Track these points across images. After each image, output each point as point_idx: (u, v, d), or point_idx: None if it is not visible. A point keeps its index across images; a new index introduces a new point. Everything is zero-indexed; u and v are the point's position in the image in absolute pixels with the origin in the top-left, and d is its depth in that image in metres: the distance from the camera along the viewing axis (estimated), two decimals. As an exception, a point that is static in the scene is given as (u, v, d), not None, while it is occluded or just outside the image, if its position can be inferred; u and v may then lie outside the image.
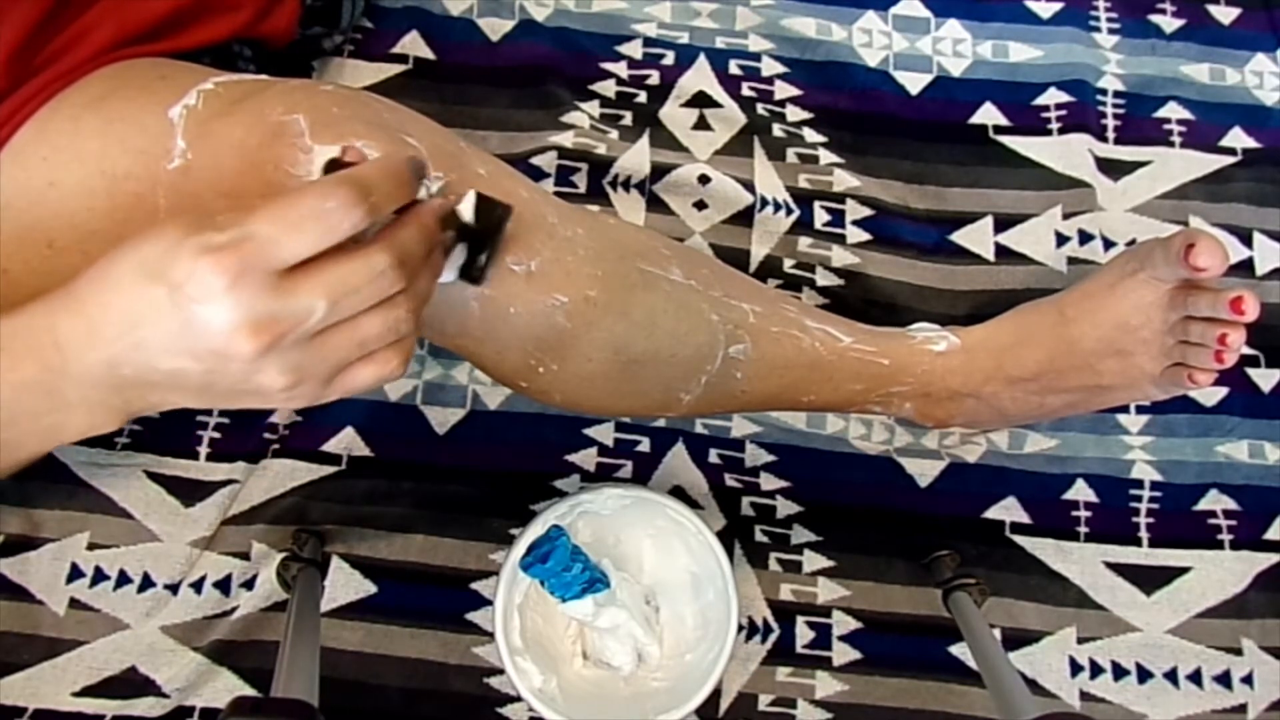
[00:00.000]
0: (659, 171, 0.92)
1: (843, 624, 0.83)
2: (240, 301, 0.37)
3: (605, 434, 0.86)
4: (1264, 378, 0.90)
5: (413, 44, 0.97)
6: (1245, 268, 0.93)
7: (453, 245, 0.48)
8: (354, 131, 0.50)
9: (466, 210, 0.49)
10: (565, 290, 0.55)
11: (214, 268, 0.37)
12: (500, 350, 0.57)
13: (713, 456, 0.86)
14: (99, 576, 0.81)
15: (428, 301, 0.45)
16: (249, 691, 0.79)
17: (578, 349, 0.57)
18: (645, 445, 0.86)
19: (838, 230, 0.92)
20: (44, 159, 0.52)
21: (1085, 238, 0.93)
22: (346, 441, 0.85)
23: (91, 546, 0.82)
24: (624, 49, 0.98)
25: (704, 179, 0.92)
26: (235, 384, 0.40)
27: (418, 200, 0.44)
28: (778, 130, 0.96)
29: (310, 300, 0.39)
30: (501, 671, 0.77)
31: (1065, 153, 0.96)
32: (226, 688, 0.79)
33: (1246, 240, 0.94)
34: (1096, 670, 0.82)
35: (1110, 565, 0.85)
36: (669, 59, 0.98)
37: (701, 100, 0.96)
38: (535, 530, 0.73)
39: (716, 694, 0.80)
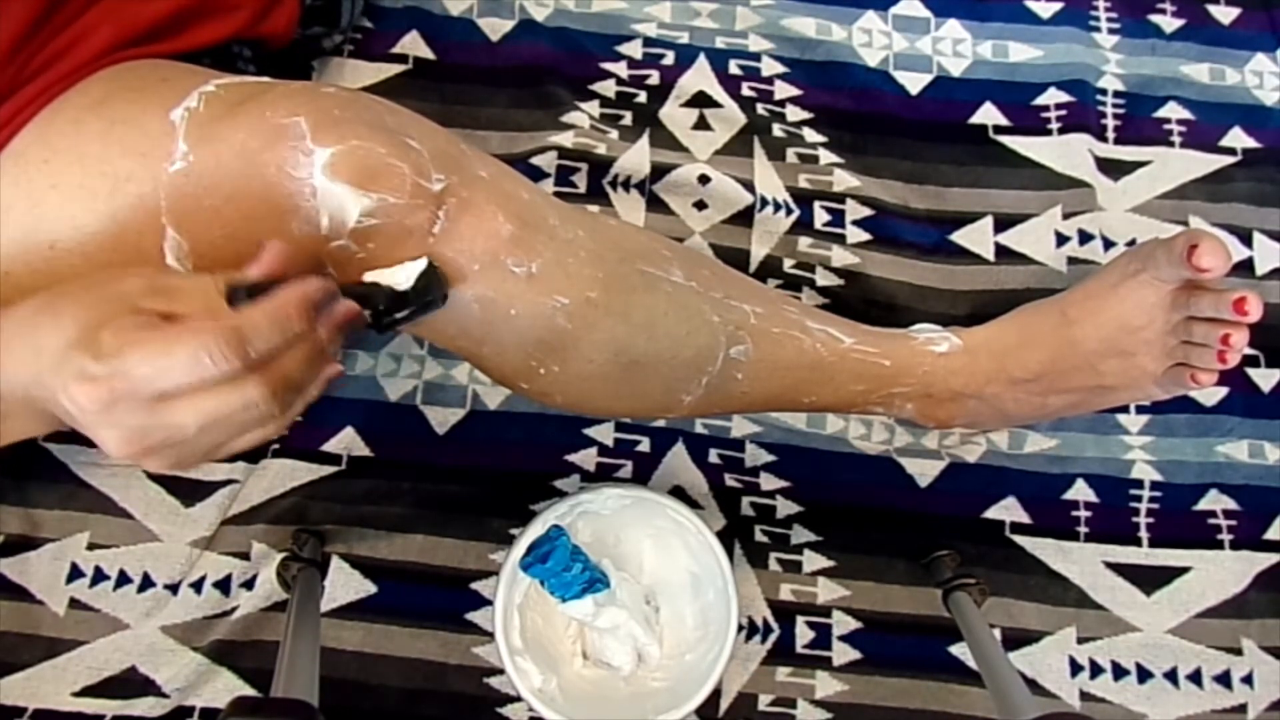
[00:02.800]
0: (659, 171, 0.92)
1: (843, 624, 0.83)
2: (112, 422, 0.41)
3: (605, 434, 0.86)
4: (1264, 378, 0.90)
5: (413, 44, 0.97)
6: (1245, 268, 0.93)
7: (393, 309, 0.50)
8: (355, 133, 0.50)
9: (407, 276, 0.50)
10: (566, 292, 0.55)
11: (87, 395, 0.40)
12: (501, 352, 0.57)
13: (713, 456, 0.86)
14: (99, 576, 0.81)
15: (324, 378, 0.46)
16: (249, 691, 0.79)
17: (578, 350, 0.57)
18: (645, 445, 0.86)
19: (838, 230, 0.92)
20: (45, 161, 0.52)
21: (1085, 238, 0.93)
22: (346, 441, 0.85)
23: (91, 546, 0.82)
24: (624, 49, 0.98)
25: (704, 179, 0.92)
26: None
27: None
28: (778, 130, 0.95)
29: (180, 422, 0.41)
30: (501, 671, 0.77)
31: (1065, 153, 0.96)
32: (226, 688, 0.79)
33: (1246, 240, 0.94)
34: (1096, 670, 0.82)
35: (1110, 565, 0.85)
36: (669, 59, 0.98)
37: (701, 100, 0.96)
38: (535, 530, 0.73)
39: (716, 694, 0.80)
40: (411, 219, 0.51)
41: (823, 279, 0.90)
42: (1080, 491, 0.86)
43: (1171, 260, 0.62)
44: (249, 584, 0.81)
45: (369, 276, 0.51)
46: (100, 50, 0.56)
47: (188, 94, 0.53)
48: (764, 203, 0.92)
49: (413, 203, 0.50)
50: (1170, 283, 0.64)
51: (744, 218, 0.92)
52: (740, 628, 0.78)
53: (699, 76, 0.97)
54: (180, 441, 0.42)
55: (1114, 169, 0.96)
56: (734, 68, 0.98)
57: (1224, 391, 0.89)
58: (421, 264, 0.50)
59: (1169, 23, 1.02)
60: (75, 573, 0.81)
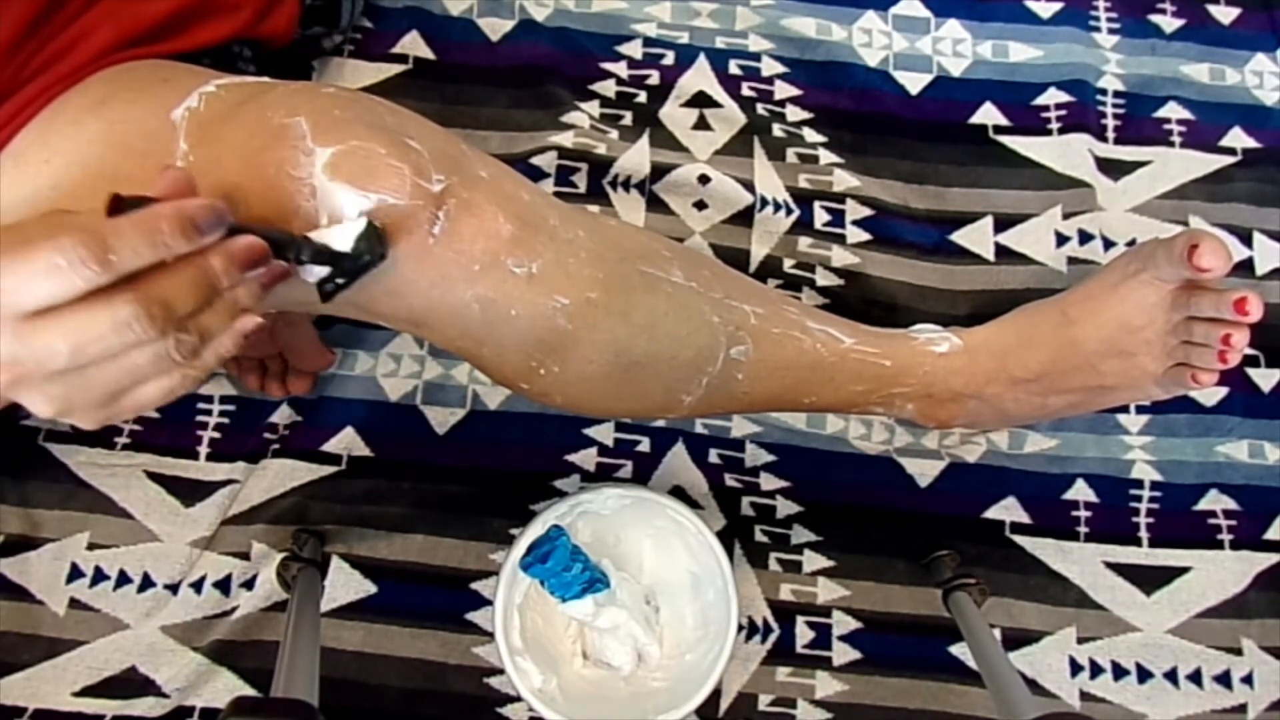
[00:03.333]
0: (659, 171, 0.92)
1: (843, 624, 0.83)
2: None
3: (605, 434, 0.86)
4: (1264, 378, 0.90)
5: (413, 44, 0.97)
6: (1245, 268, 0.93)
7: (320, 262, 0.48)
8: (355, 134, 0.50)
9: (344, 236, 0.48)
10: (566, 292, 0.55)
11: None
12: (501, 352, 0.57)
13: (713, 456, 0.86)
14: (99, 576, 0.81)
15: (236, 329, 0.44)
16: (249, 691, 0.79)
17: (579, 351, 0.57)
18: (645, 445, 0.86)
19: (838, 230, 0.92)
20: (46, 162, 0.52)
21: (1085, 238, 0.93)
22: (346, 441, 0.85)
23: (91, 546, 0.82)
24: (624, 49, 0.98)
25: (704, 179, 0.92)
26: (10, 403, 0.41)
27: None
28: (778, 130, 0.95)
29: (50, 345, 0.39)
30: (501, 671, 0.77)
31: (1065, 153, 0.96)
32: (226, 688, 0.79)
33: (1246, 240, 0.94)
34: (1096, 670, 0.82)
35: (1110, 565, 0.85)
36: (669, 59, 0.98)
37: (701, 100, 0.96)
38: (535, 530, 0.73)
39: (716, 694, 0.80)
40: (411, 219, 0.50)
41: (823, 279, 0.90)
42: (1080, 491, 0.86)
43: (1172, 260, 0.62)
44: (249, 584, 0.81)
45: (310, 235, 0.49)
46: (100, 50, 0.56)
47: (188, 94, 0.53)
48: (764, 203, 0.92)
49: (413, 203, 0.50)
50: (1171, 282, 0.64)
51: (744, 218, 0.92)
52: (740, 628, 0.78)
53: (699, 76, 0.98)
54: (57, 373, 0.39)
55: (1114, 169, 0.96)
56: (734, 68, 0.98)
57: (1224, 391, 0.89)
58: (361, 224, 0.48)
59: (1169, 23, 1.02)
60: (75, 573, 0.81)
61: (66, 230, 0.38)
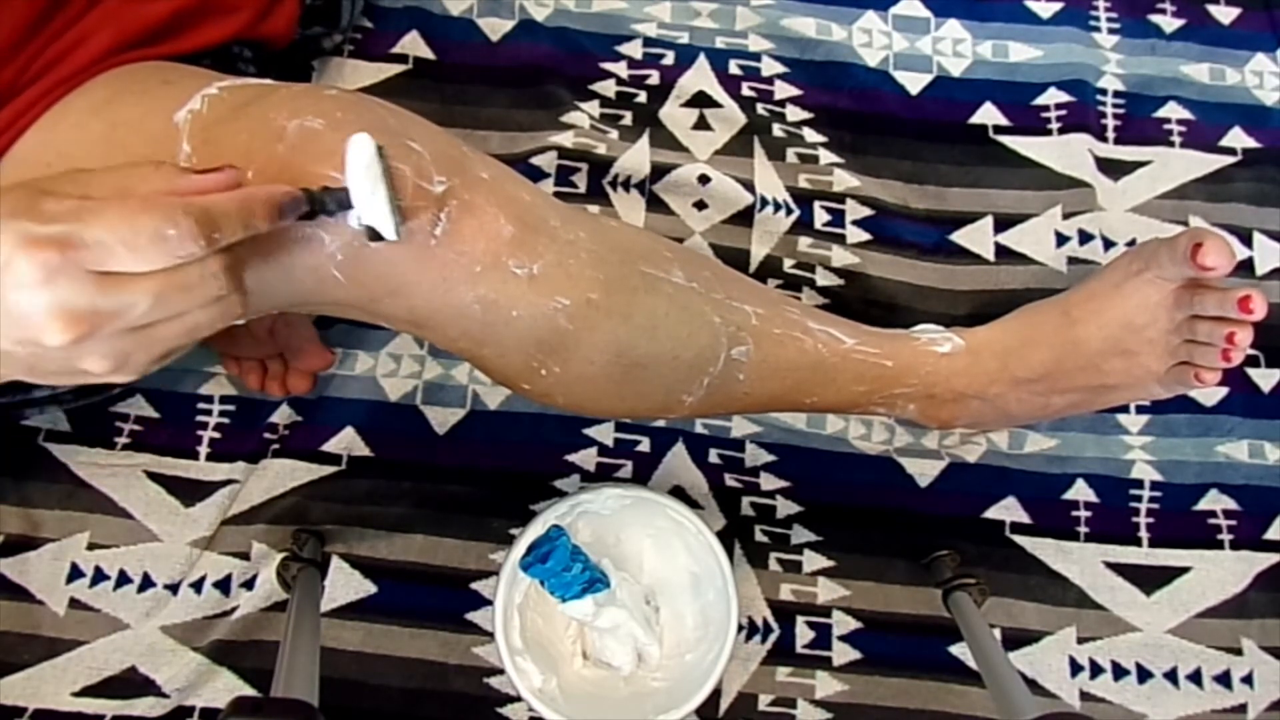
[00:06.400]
0: (659, 171, 0.92)
1: (843, 624, 0.83)
2: (55, 295, 0.37)
3: (605, 434, 0.86)
4: (1264, 378, 0.90)
5: (413, 44, 0.97)
6: (1245, 268, 0.93)
7: (348, 205, 0.48)
8: (357, 135, 0.50)
9: (355, 170, 0.47)
10: (567, 293, 0.55)
11: (31, 261, 0.36)
12: (502, 353, 0.57)
13: (713, 456, 0.86)
14: (99, 576, 0.81)
15: None
16: (249, 691, 0.79)
17: (579, 352, 0.57)
18: (645, 445, 0.86)
19: (838, 230, 0.92)
20: (48, 165, 0.52)
21: (1085, 238, 0.93)
22: (346, 441, 0.85)
23: (91, 546, 0.82)
24: (624, 49, 0.98)
25: (704, 179, 0.92)
26: (59, 366, 0.40)
27: None
28: (778, 130, 0.95)
29: (132, 300, 0.39)
30: (501, 671, 0.77)
31: (1065, 153, 0.96)
32: (226, 688, 0.79)
33: (1247, 240, 0.94)
34: (1096, 670, 0.82)
35: (1110, 565, 0.85)
36: (669, 59, 0.98)
37: (701, 100, 0.96)
38: (535, 530, 0.73)
39: (716, 694, 0.80)
40: (413, 221, 0.51)
41: (823, 279, 0.90)
42: (1080, 491, 0.86)
43: (1175, 259, 0.62)
44: (249, 584, 0.81)
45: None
46: (101, 53, 0.56)
47: (191, 96, 0.53)
48: (764, 203, 0.92)
49: (414, 205, 0.50)
50: (1173, 281, 0.64)
51: (744, 218, 0.92)
52: (740, 628, 0.78)
53: (699, 76, 0.97)
54: (130, 329, 0.39)
55: (1114, 169, 0.96)
56: (734, 68, 0.98)
57: (1224, 391, 0.89)
58: (359, 145, 0.47)
59: (1169, 23, 1.02)
60: (75, 573, 0.81)
61: (171, 202, 0.38)
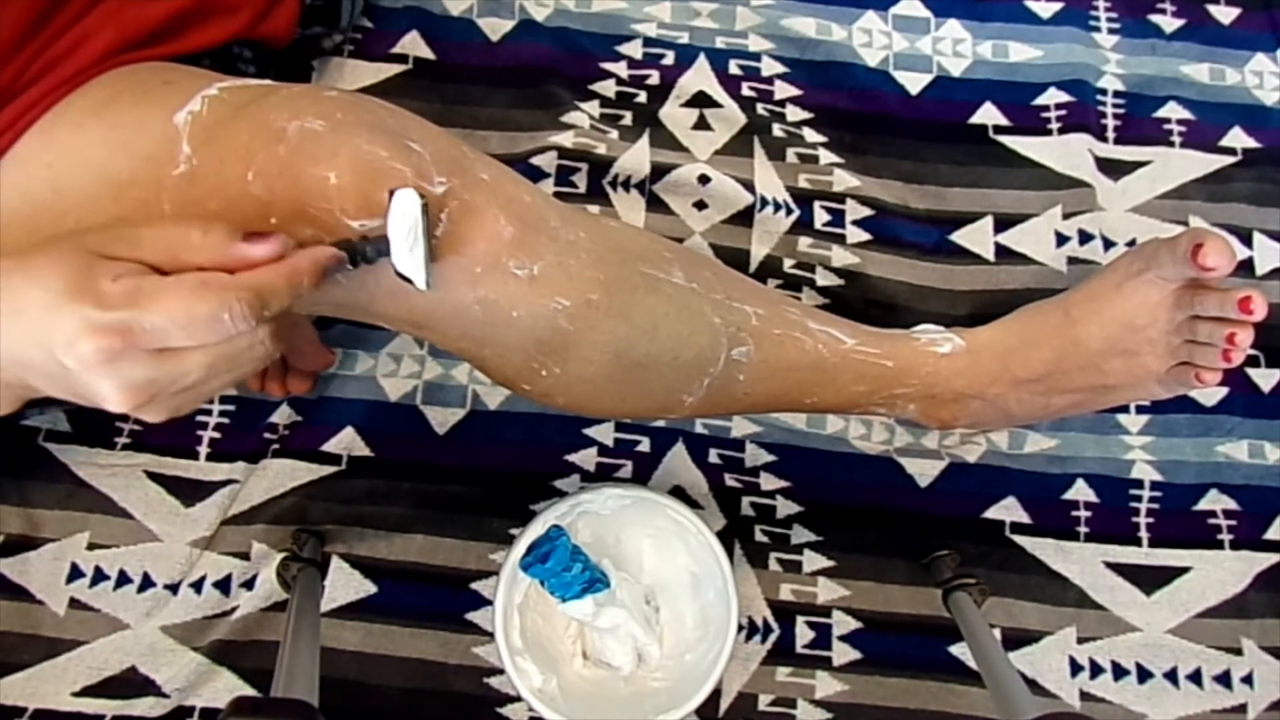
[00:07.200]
0: (659, 171, 0.92)
1: (843, 624, 0.83)
2: (118, 374, 0.40)
3: (605, 434, 0.86)
4: (1264, 378, 0.90)
5: (413, 44, 0.97)
6: (1245, 268, 0.93)
7: (386, 253, 0.49)
8: (357, 137, 0.50)
9: (397, 218, 0.48)
10: (567, 294, 0.55)
11: (96, 347, 0.39)
12: (502, 353, 0.57)
13: (713, 456, 0.86)
14: (99, 576, 0.81)
15: None
16: (249, 691, 0.79)
17: (580, 352, 0.57)
18: (645, 445, 0.86)
19: (838, 230, 0.92)
20: (48, 165, 0.52)
21: (1085, 238, 0.93)
22: (346, 441, 0.85)
23: (91, 546, 0.82)
24: (624, 49, 0.98)
25: (704, 179, 0.92)
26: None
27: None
28: (778, 130, 0.95)
29: (187, 371, 0.42)
30: (501, 671, 0.77)
31: (1065, 153, 0.96)
32: (226, 688, 0.79)
33: (1246, 240, 0.94)
34: (1096, 670, 0.82)
35: (1110, 565, 0.85)
36: (669, 59, 0.98)
37: (701, 100, 0.96)
38: (535, 530, 0.73)
39: (716, 694, 0.80)
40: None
41: (823, 279, 0.90)
42: (1080, 491, 0.86)
43: (1176, 259, 0.62)
44: (249, 584, 0.81)
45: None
46: (101, 53, 0.56)
47: (191, 97, 0.53)
48: (764, 203, 0.92)
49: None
50: (1174, 282, 0.64)
51: (744, 218, 0.92)
52: (740, 628, 0.78)
53: (699, 76, 0.97)
54: (182, 390, 0.42)
55: (1114, 169, 0.96)
56: (734, 68, 0.98)
57: (1224, 391, 0.89)
58: (403, 197, 0.48)
59: (1169, 23, 1.02)
60: (75, 573, 0.81)
61: (224, 285, 0.41)
